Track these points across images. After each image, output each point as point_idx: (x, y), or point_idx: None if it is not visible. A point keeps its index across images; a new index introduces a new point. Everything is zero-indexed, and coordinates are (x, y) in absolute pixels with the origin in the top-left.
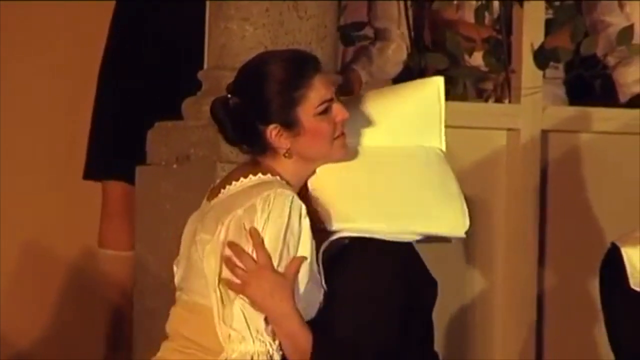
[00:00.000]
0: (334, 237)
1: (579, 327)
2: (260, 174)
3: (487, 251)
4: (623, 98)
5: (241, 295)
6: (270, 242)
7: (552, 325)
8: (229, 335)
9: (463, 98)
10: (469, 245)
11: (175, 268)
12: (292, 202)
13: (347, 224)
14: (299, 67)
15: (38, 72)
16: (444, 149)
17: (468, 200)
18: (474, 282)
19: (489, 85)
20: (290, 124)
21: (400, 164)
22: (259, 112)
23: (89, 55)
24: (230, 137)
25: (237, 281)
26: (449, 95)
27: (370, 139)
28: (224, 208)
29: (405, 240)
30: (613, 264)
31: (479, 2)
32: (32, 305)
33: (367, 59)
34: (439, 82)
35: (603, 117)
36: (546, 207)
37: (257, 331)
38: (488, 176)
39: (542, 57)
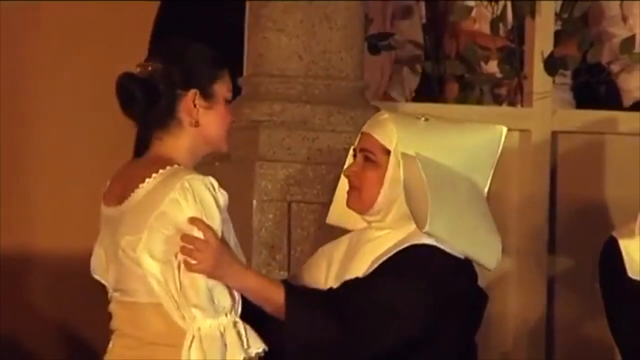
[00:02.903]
0: (413, 242)
1: (587, 313)
2: (161, 170)
3: (501, 240)
4: (626, 102)
5: (202, 275)
6: (209, 221)
7: (562, 309)
8: (194, 316)
9: (480, 102)
10: None
11: (97, 276)
12: (205, 181)
13: (432, 229)
14: (221, 56)
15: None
16: (486, 190)
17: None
18: (490, 272)
19: (503, 90)
20: (208, 95)
21: (470, 191)
22: (184, 76)
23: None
24: (138, 105)
25: (193, 262)
26: (467, 99)
27: (443, 157)
28: (142, 209)
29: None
30: (611, 254)
31: (495, 15)
32: (61, 304)
33: (401, 87)
34: (503, 130)
35: (607, 120)
36: (555, 201)
37: (223, 306)
38: (503, 173)
39: (552, 65)
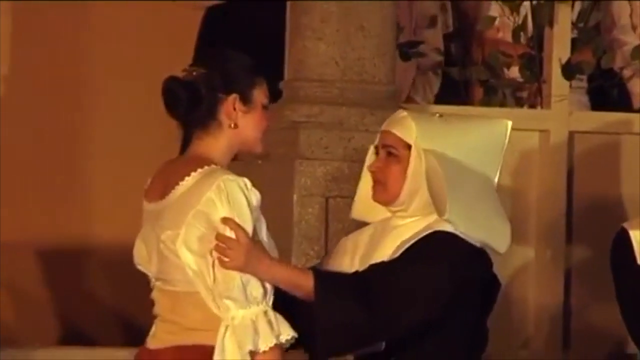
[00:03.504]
0: (436, 228)
1: (602, 300)
2: (199, 169)
3: (522, 233)
4: (636, 105)
5: (235, 271)
6: (241, 221)
7: (579, 297)
8: (228, 307)
9: (502, 104)
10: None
11: (140, 267)
12: (239, 182)
13: (451, 216)
14: (259, 64)
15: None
16: (496, 180)
17: (507, 189)
18: (512, 262)
19: (524, 94)
20: (247, 99)
21: (481, 182)
22: (226, 81)
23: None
24: (182, 106)
25: (226, 259)
26: (491, 102)
27: (456, 149)
28: (181, 206)
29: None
30: (622, 244)
31: (516, 24)
32: (119, 292)
33: (423, 91)
34: (508, 124)
35: (622, 121)
36: (572, 196)
37: (254, 297)
38: (523, 170)
39: (569, 70)
